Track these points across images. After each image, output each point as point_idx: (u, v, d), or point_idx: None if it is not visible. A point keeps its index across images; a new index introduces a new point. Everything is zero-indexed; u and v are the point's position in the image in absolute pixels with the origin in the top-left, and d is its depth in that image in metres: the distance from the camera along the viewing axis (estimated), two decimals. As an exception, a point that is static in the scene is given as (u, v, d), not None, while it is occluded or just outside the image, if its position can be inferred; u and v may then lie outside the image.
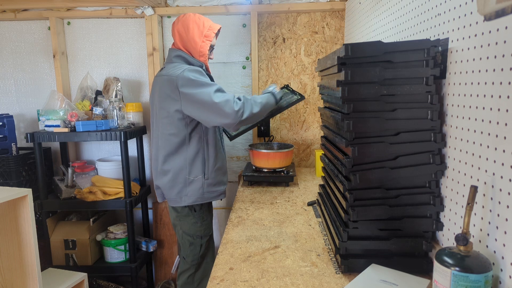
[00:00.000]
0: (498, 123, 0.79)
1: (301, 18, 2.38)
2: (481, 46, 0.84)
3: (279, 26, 2.40)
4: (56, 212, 2.35)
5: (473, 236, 0.89)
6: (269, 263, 1.15)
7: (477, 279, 0.74)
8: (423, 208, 1.04)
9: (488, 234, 0.84)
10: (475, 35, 0.87)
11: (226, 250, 1.25)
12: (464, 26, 0.92)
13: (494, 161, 0.80)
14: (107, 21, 2.45)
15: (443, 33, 1.03)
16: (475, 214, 0.88)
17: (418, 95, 1.00)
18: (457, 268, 0.76)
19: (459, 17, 0.94)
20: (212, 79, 1.71)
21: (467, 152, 0.92)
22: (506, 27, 0.75)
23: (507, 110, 0.76)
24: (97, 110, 2.17)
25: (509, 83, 0.75)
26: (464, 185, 0.93)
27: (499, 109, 0.78)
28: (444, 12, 1.02)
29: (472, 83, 0.89)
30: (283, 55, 2.42)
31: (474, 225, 0.89)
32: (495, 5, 0.77)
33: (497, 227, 0.80)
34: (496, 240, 0.81)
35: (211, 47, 1.73)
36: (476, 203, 0.87)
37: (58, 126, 2.09)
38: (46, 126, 2.11)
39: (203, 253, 1.76)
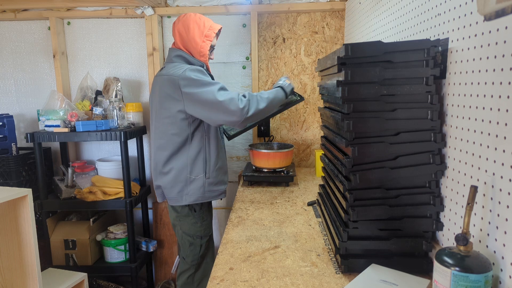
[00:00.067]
0: (498, 123, 0.79)
1: (301, 18, 2.38)
2: (481, 46, 0.84)
3: (279, 26, 2.40)
4: (56, 212, 2.35)
5: (473, 236, 0.89)
6: (269, 263, 1.15)
7: (477, 279, 0.74)
8: (423, 208, 1.04)
9: (488, 234, 0.84)
10: (475, 35, 0.87)
11: (226, 250, 1.25)
12: (464, 26, 0.92)
13: (494, 161, 0.80)
14: (107, 21, 2.45)
15: (443, 33, 1.03)
16: (475, 214, 0.88)
17: (418, 95, 1.00)
18: (457, 268, 0.76)
19: (459, 17, 0.94)
20: (213, 78, 1.71)
21: (467, 152, 0.92)
22: (506, 27, 0.75)
23: (507, 110, 0.76)
24: (97, 110, 2.17)
25: (509, 83, 0.75)
26: (464, 185, 0.93)
27: (499, 109, 0.78)
28: (444, 12, 1.02)
29: (472, 83, 0.89)
30: (283, 55, 2.42)
31: (474, 225, 0.89)
32: (495, 5, 0.77)
33: (497, 227, 0.80)
34: (496, 240, 0.81)
35: (212, 47, 1.73)
36: (476, 203, 0.87)
37: (58, 126, 2.09)
38: (46, 126, 2.11)
39: (203, 253, 1.76)
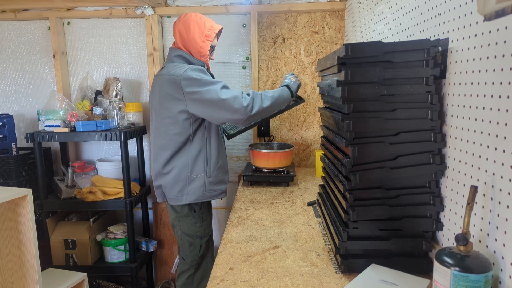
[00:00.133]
0: (498, 123, 0.79)
1: (301, 18, 2.38)
2: (481, 46, 0.84)
3: (279, 26, 2.40)
4: (56, 212, 2.35)
5: (473, 236, 0.89)
6: (269, 263, 1.15)
7: (477, 279, 0.74)
8: (423, 208, 1.04)
9: (488, 234, 0.84)
10: (475, 35, 0.87)
11: (226, 250, 1.25)
12: (464, 26, 0.92)
13: (494, 161, 0.80)
14: (107, 21, 2.45)
15: (443, 33, 1.03)
16: (475, 214, 0.88)
17: (418, 95, 1.00)
18: (457, 268, 0.76)
19: (459, 17, 0.94)
20: (213, 77, 1.71)
21: (467, 152, 0.92)
22: (506, 27, 0.75)
23: (507, 110, 0.76)
24: (97, 110, 2.17)
25: (509, 83, 0.75)
26: (464, 185, 0.93)
27: (499, 109, 0.78)
28: (444, 12, 1.02)
29: (472, 83, 0.89)
30: (283, 55, 2.42)
31: (474, 225, 0.89)
32: (495, 5, 0.77)
33: (497, 227, 0.80)
34: (496, 240, 0.81)
35: (212, 48, 1.72)
36: (476, 203, 0.87)
37: (58, 126, 2.09)
38: (46, 126, 2.11)
39: (202, 253, 1.76)
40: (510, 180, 0.76)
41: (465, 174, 0.93)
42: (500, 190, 0.79)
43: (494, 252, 0.81)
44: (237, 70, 2.47)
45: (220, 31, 1.75)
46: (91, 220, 2.26)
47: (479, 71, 0.85)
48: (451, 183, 1.00)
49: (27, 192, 1.46)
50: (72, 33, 2.47)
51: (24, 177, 2.23)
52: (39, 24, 2.46)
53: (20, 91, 2.53)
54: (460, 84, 0.95)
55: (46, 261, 2.21)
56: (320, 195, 1.53)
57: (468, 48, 0.90)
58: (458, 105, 0.96)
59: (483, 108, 0.84)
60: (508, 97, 0.75)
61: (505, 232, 0.77)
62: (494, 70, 0.80)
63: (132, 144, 2.48)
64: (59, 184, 2.24)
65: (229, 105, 1.51)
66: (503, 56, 0.76)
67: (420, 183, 1.04)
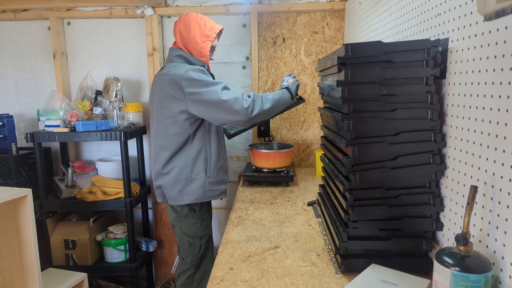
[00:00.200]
0: (498, 123, 0.79)
1: (301, 18, 2.38)
2: (481, 46, 0.84)
3: (279, 26, 2.40)
4: (56, 212, 2.35)
5: (473, 236, 0.89)
6: (269, 263, 1.15)
7: (477, 279, 0.74)
8: (423, 208, 1.04)
9: (488, 234, 0.84)
10: (475, 35, 0.87)
11: (226, 250, 1.25)
12: (464, 26, 0.92)
13: (494, 161, 0.80)
14: (107, 21, 2.45)
15: (443, 33, 1.03)
16: (475, 214, 0.88)
17: (418, 95, 1.00)
18: (457, 268, 0.76)
19: (459, 17, 0.94)
20: (214, 78, 1.71)
21: (467, 152, 0.92)
22: (506, 27, 0.75)
23: (507, 110, 0.76)
24: (97, 110, 2.17)
25: (509, 83, 0.75)
26: (464, 185, 0.93)
27: (499, 109, 0.78)
28: (444, 12, 1.02)
29: (472, 83, 0.89)
30: (283, 55, 2.42)
31: (474, 225, 0.89)
32: (495, 5, 0.77)
33: (497, 227, 0.80)
34: (496, 240, 0.81)
35: (212, 48, 1.72)
36: (476, 203, 0.87)
37: (58, 126, 2.09)
38: (46, 126, 2.11)
39: (202, 253, 1.76)
40: (510, 180, 0.76)
41: (465, 174, 0.93)
42: (500, 190, 0.79)
43: (494, 252, 0.81)
44: (237, 70, 2.47)
45: (220, 31, 1.75)
46: (91, 220, 2.26)
47: (479, 71, 0.85)
48: (451, 183, 1.00)
49: (27, 192, 1.46)
50: (72, 33, 2.47)
51: (24, 177, 2.23)
52: (39, 24, 2.46)
53: (20, 91, 2.53)
54: (460, 84, 0.95)
55: (46, 261, 2.21)
56: (320, 195, 1.53)
57: (468, 48, 0.90)
58: (458, 105, 0.96)
59: (483, 108, 0.84)
60: (508, 97, 0.75)
61: (505, 232, 0.77)
62: (494, 70, 0.80)
63: (132, 144, 2.48)
64: (59, 184, 2.24)
65: (230, 106, 1.51)
66: (503, 56, 0.76)
67: (420, 183, 1.04)
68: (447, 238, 1.03)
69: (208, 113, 1.55)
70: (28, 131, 2.21)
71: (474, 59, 0.88)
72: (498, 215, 0.80)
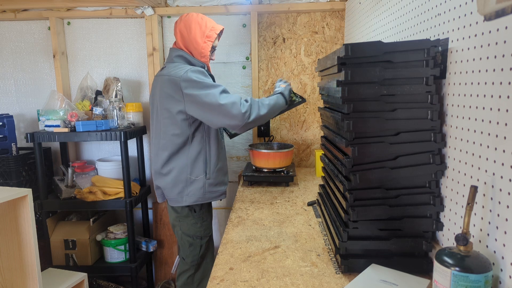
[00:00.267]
0: (498, 123, 0.79)
1: (301, 18, 2.38)
2: (481, 46, 0.84)
3: (279, 26, 2.40)
4: (56, 212, 2.35)
5: (473, 236, 0.89)
6: (269, 263, 1.15)
7: (477, 279, 0.74)
8: (423, 208, 1.04)
9: (488, 234, 0.84)
10: (475, 35, 0.87)
11: (226, 250, 1.25)
12: (464, 26, 0.92)
13: (494, 161, 0.80)
14: (107, 21, 2.45)
15: (443, 33, 1.03)
16: (475, 214, 0.88)
17: (418, 95, 1.00)
18: (457, 268, 0.76)
19: (459, 17, 0.94)
20: (213, 79, 1.71)
21: (467, 152, 0.92)
22: (506, 27, 0.75)
23: (507, 110, 0.76)
24: (97, 110, 2.17)
25: (509, 83, 0.75)
26: (464, 185, 0.93)
27: (499, 109, 0.78)
28: (444, 12, 1.02)
29: (472, 83, 0.89)
30: (283, 55, 2.42)
31: (474, 225, 0.89)
32: (495, 5, 0.77)
33: (497, 227, 0.80)
34: (496, 240, 0.81)
35: (213, 48, 1.72)
36: (476, 203, 0.87)
37: (58, 126, 2.09)
38: (46, 126, 2.11)
39: (202, 253, 1.76)
40: (510, 180, 0.76)
41: (465, 174, 0.93)
42: (500, 190, 0.79)
43: (494, 252, 0.81)
44: (237, 70, 2.47)
45: (221, 31, 1.74)
46: (91, 220, 2.26)
47: (479, 71, 0.85)
48: (451, 183, 1.00)
49: (27, 192, 1.46)
50: (72, 33, 2.47)
51: (24, 177, 2.23)
52: (39, 24, 2.46)
53: (20, 91, 2.53)
54: (460, 84, 0.95)
55: (46, 261, 2.21)
56: (320, 195, 1.53)
57: (468, 48, 0.90)
58: (458, 105, 0.96)
59: (483, 108, 0.84)
60: (508, 97, 0.75)
61: (505, 232, 0.77)
62: (494, 70, 0.80)
63: (132, 144, 2.48)
64: (59, 184, 2.24)
65: (227, 110, 1.51)
66: (503, 56, 0.76)
67: (420, 183, 1.04)
68: (447, 238, 1.03)
69: (206, 116, 1.55)
70: (28, 131, 2.21)
71: (474, 59, 0.88)
72: (498, 215, 0.80)
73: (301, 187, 2.02)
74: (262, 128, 2.44)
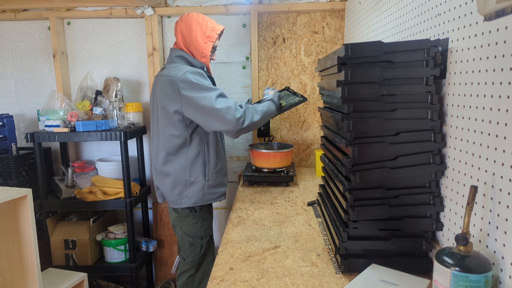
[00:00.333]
0: (498, 123, 0.79)
1: (301, 18, 2.38)
2: (481, 46, 0.84)
3: (279, 26, 2.40)
4: (56, 212, 2.35)
5: (473, 236, 0.89)
6: (269, 263, 1.15)
7: (477, 279, 0.74)
8: (423, 208, 1.04)
9: (488, 234, 0.84)
10: (475, 35, 0.87)
11: (226, 250, 1.25)
12: (464, 26, 0.92)
13: (494, 161, 0.80)
14: (107, 21, 2.45)
15: (443, 33, 1.03)
16: (475, 214, 0.88)
17: (418, 95, 1.00)
18: (457, 268, 0.76)
19: (459, 17, 0.94)
20: (213, 80, 1.71)
21: (467, 152, 0.92)
22: (506, 27, 0.75)
23: (507, 110, 0.76)
24: (97, 110, 2.17)
25: (509, 83, 0.75)
26: (464, 185, 0.93)
27: (499, 109, 0.78)
28: (444, 12, 1.02)
29: (472, 83, 0.89)
30: (283, 55, 2.42)
31: (474, 225, 0.89)
32: (495, 5, 0.77)
33: (497, 227, 0.80)
34: (496, 240, 0.81)
35: (214, 48, 1.72)
36: (476, 203, 0.87)
37: (58, 126, 2.09)
38: (46, 126, 2.11)
39: (203, 253, 1.76)
40: (510, 180, 0.76)
41: (465, 174, 0.93)
42: (500, 190, 0.79)
43: (494, 252, 0.81)
44: (237, 70, 2.47)
45: (222, 31, 1.74)
46: (91, 220, 2.26)
47: (479, 71, 0.85)
48: (451, 183, 1.00)
49: (27, 192, 1.46)
50: (72, 33, 2.47)
51: (24, 177, 2.23)
52: (39, 24, 2.46)
53: (20, 91, 2.53)
54: (460, 84, 0.95)
55: (46, 261, 2.21)
56: (320, 195, 1.53)
57: (468, 48, 0.90)
58: (458, 105, 0.96)
59: (483, 108, 0.84)
60: (508, 97, 0.75)
61: (505, 232, 0.77)
62: (494, 70, 0.80)
63: (132, 144, 2.48)
64: (59, 184, 2.24)
65: (222, 115, 1.51)
66: (503, 56, 0.76)
67: (420, 183, 1.04)
68: (447, 238, 1.03)
69: (200, 118, 1.55)
70: (28, 131, 2.21)
71: (474, 59, 0.88)
72: (498, 215, 0.80)
73: (301, 187, 2.02)
74: (262, 128, 2.44)
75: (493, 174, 0.81)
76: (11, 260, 1.50)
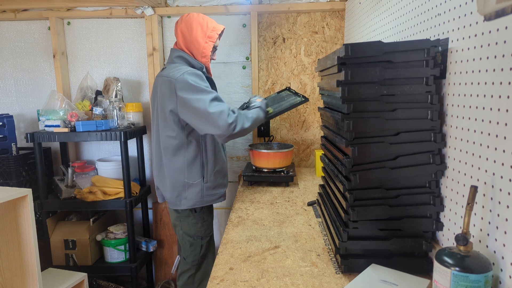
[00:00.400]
0: (498, 123, 0.79)
1: (301, 18, 2.38)
2: (481, 46, 0.84)
3: (279, 26, 2.40)
4: (56, 212, 2.35)
5: (473, 236, 0.89)
6: (269, 263, 1.15)
7: (477, 279, 0.74)
8: (423, 208, 1.04)
9: (488, 234, 0.84)
10: (475, 35, 0.87)
11: (226, 250, 1.25)
12: (464, 26, 0.92)
13: (494, 161, 0.80)
14: (107, 21, 2.45)
15: (443, 33, 1.03)
16: (475, 214, 0.88)
17: (418, 95, 1.00)
18: (457, 268, 0.76)
19: (459, 17, 0.94)
20: (213, 81, 1.71)
21: (467, 152, 0.92)
22: (506, 27, 0.75)
23: (507, 110, 0.76)
24: (97, 110, 2.17)
25: (509, 83, 0.75)
26: (464, 185, 0.93)
27: (499, 109, 0.78)
28: (444, 12, 1.02)
29: (472, 83, 0.89)
30: (283, 55, 2.42)
31: (474, 225, 0.89)
32: (495, 5, 0.77)
33: (497, 227, 0.80)
34: (496, 240, 0.81)
35: (214, 48, 1.72)
36: (476, 203, 0.87)
37: (58, 126, 2.09)
38: (46, 126, 2.11)
39: (203, 253, 1.76)
40: (510, 180, 0.76)
41: (465, 174, 0.93)
42: (500, 190, 0.79)
43: (494, 252, 0.81)
44: (237, 70, 2.47)
45: (222, 31, 1.74)
46: (91, 220, 2.26)
47: (479, 71, 0.85)
48: (451, 183, 1.00)
49: (27, 192, 1.46)
50: (72, 33, 2.47)
51: (24, 177, 2.23)
52: (39, 24, 2.46)
53: (20, 91, 2.53)
54: (460, 84, 0.95)
55: (46, 261, 2.21)
56: (320, 195, 1.53)
57: (468, 48, 0.90)
58: (458, 105, 0.96)
59: (483, 108, 0.84)
60: (508, 97, 0.75)
61: (505, 232, 0.77)
62: (494, 70, 0.80)
63: (132, 144, 2.48)
64: (59, 184, 2.24)
65: (214, 119, 1.50)
66: (503, 56, 0.76)
67: (420, 183, 1.04)
68: (447, 238, 1.03)
69: (194, 121, 1.55)
70: (28, 131, 2.21)
71: (474, 59, 0.88)
72: (498, 215, 0.80)
73: (301, 187, 2.01)
74: (262, 128, 2.44)
75: (493, 174, 0.81)
76: (11, 260, 1.50)
